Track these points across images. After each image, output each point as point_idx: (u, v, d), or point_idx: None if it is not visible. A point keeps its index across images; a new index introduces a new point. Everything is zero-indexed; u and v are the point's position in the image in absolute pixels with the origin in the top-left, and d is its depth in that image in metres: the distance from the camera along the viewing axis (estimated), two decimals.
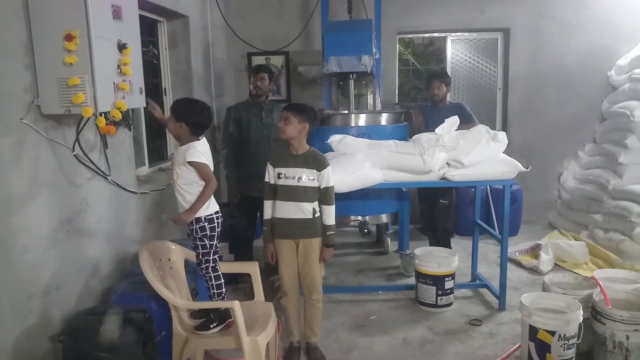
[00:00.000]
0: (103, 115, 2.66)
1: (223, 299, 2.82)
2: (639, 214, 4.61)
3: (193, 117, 2.69)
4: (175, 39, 4.81)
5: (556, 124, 5.94)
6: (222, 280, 2.83)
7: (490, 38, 6.12)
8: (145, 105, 3.06)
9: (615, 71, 5.75)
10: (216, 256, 2.82)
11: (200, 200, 2.68)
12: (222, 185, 5.31)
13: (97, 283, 3.10)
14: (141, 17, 3.62)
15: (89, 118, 2.71)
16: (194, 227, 2.73)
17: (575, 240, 5.08)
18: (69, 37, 2.45)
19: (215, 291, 2.81)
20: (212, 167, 2.76)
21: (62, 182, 2.80)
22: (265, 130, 4.20)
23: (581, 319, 2.88)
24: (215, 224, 2.78)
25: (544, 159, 5.84)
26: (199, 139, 2.74)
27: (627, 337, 2.83)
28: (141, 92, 2.98)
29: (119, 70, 2.74)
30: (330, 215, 3.07)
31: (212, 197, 2.79)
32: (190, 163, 2.66)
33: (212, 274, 2.80)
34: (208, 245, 2.77)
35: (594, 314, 2.98)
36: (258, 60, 5.87)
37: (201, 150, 2.70)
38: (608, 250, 4.70)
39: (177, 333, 2.72)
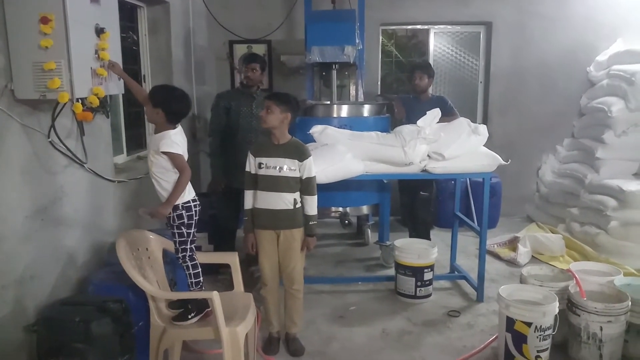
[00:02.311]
0: (80, 101, 2.60)
1: (201, 288, 2.80)
2: (614, 208, 4.69)
3: (170, 104, 2.64)
4: (156, 25, 4.71)
5: (536, 118, 6.00)
6: (200, 270, 2.81)
7: (473, 31, 6.14)
8: (123, 92, 3.00)
9: (594, 67, 5.81)
10: (193, 245, 2.79)
11: (176, 191, 2.64)
12: (202, 175, 5.27)
13: (73, 273, 3.05)
14: (120, 2, 3.53)
15: (65, 104, 2.65)
16: (172, 215, 2.69)
17: (553, 233, 5.16)
18: (44, 20, 2.38)
19: (192, 280, 2.78)
20: (186, 157, 2.71)
21: (37, 169, 2.73)
22: (254, 121, 4.08)
23: (557, 310, 2.93)
24: (193, 212, 2.75)
25: (523, 153, 5.89)
26: (174, 127, 2.68)
27: (601, 329, 2.89)
28: (119, 79, 2.92)
29: (96, 56, 2.68)
30: (312, 205, 3.06)
31: (190, 184, 2.75)
32: (164, 153, 2.62)
33: (189, 263, 2.77)
34: (185, 234, 2.74)
35: (569, 305, 3.03)
36: (240, 48, 5.79)
37: (175, 140, 2.64)
38: (584, 244, 4.77)
39: (154, 324, 2.69)
